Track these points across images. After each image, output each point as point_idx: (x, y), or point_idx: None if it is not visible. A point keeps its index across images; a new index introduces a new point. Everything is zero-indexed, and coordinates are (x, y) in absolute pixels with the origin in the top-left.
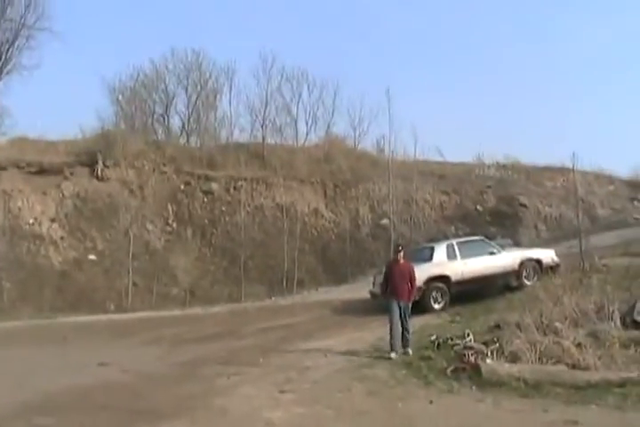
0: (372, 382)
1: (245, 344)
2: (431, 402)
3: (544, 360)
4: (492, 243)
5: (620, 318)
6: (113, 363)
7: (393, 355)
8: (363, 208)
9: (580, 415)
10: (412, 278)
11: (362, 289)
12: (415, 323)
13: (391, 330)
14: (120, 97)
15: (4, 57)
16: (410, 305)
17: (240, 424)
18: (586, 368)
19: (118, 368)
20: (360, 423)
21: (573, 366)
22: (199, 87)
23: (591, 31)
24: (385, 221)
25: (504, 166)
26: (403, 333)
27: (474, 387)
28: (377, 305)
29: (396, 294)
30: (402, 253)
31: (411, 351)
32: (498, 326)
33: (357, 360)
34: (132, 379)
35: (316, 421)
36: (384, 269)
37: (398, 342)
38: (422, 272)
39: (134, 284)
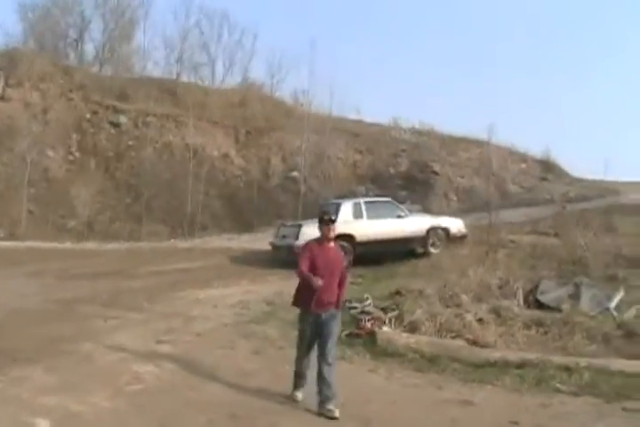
0: (259, 340)
1: (134, 286)
2: None
3: (443, 333)
4: (401, 206)
5: (523, 297)
6: None
7: (298, 395)
8: (274, 158)
9: (475, 395)
10: (343, 274)
11: (265, 240)
12: None
13: (296, 360)
14: (30, 14)
15: None
16: (339, 319)
17: (100, 376)
18: (485, 346)
19: None
20: (238, 385)
21: (473, 342)
22: (116, 15)
23: None
24: (295, 173)
25: (420, 132)
26: (320, 374)
27: (367, 355)
28: (277, 257)
29: (317, 301)
30: (334, 229)
31: (336, 411)
32: (399, 293)
33: (247, 315)
34: (2, 314)
35: (188, 379)
36: (303, 252)
37: (305, 380)
38: None
39: (29, 212)
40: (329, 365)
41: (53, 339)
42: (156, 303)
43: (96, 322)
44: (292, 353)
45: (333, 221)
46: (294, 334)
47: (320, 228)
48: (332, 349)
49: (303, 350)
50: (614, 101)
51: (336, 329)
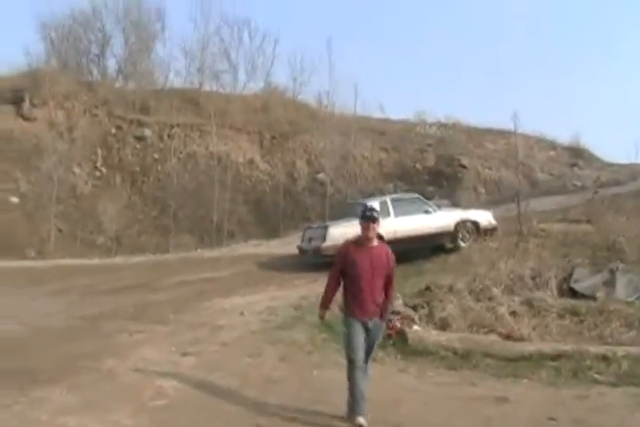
0: (287, 346)
1: (160, 298)
2: None
3: (475, 329)
4: (428, 201)
5: (557, 286)
6: (12, 314)
7: (361, 421)
8: (299, 161)
9: (510, 391)
10: (389, 278)
11: (293, 244)
12: None
13: (350, 380)
14: (54, 34)
15: None
16: (384, 329)
17: (122, 393)
18: (519, 339)
19: (16, 320)
20: (264, 394)
21: (507, 337)
22: (137, 28)
23: None
24: (321, 175)
25: (445, 126)
26: None
27: (398, 355)
28: (305, 262)
29: (362, 308)
30: (375, 227)
31: (365, 424)
32: (429, 289)
33: (275, 321)
34: (25, 333)
35: (215, 391)
36: (336, 257)
37: (364, 402)
38: (352, 229)
39: (58, 230)
40: (369, 369)
41: (76, 357)
42: (183, 314)
43: (120, 337)
44: (320, 357)
45: (375, 219)
46: (321, 337)
47: (362, 227)
48: (370, 360)
49: (357, 359)
50: None
51: (377, 341)
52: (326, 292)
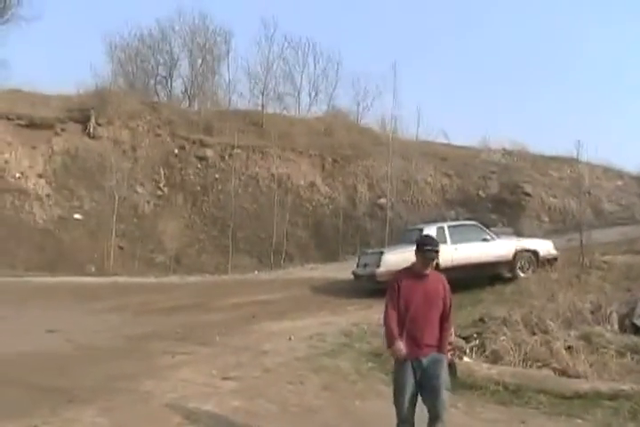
0: (331, 374)
1: (210, 320)
2: None
3: (529, 363)
4: (487, 229)
5: (618, 321)
6: (62, 330)
7: None
8: (361, 185)
9: None
10: (445, 310)
11: (349, 269)
12: None
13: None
14: (121, 55)
15: (2, 5)
16: (446, 366)
17: (154, 416)
18: (575, 376)
19: (64, 337)
20: (302, 424)
21: (561, 373)
22: (203, 51)
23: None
24: (382, 200)
25: (510, 153)
26: None
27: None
28: (359, 287)
29: (415, 343)
30: (435, 257)
31: None
32: (482, 320)
33: (322, 347)
34: (71, 350)
35: (250, 418)
36: (390, 288)
37: None
38: (408, 255)
39: (119, 247)
40: (443, 422)
41: (114, 377)
42: (229, 337)
43: (163, 358)
44: (364, 387)
45: (435, 257)
46: (367, 366)
47: (417, 257)
48: (445, 402)
49: (404, 409)
50: None
51: (444, 376)
52: (389, 326)
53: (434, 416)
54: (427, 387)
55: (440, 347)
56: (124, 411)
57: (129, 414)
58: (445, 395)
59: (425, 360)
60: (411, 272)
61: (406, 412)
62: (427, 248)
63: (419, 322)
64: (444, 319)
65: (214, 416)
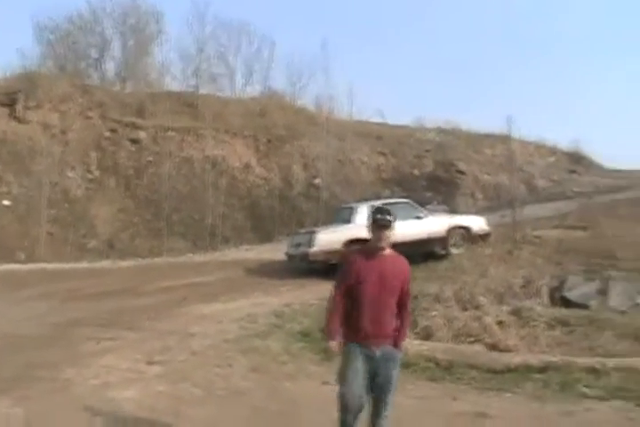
0: (260, 355)
1: (139, 304)
2: (325, 383)
3: (461, 339)
4: (420, 207)
5: (549, 295)
6: None
7: None
8: (296, 166)
9: (492, 406)
10: (404, 295)
11: (284, 249)
12: (324, 287)
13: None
14: (51, 37)
15: None
16: (398, 362)
17: (73, 405)
18: (506, 350)
19: None
20: (228, 407)
21: (493, 347)
22: (135, 32)
23: None
24: (318, 180)
25: (444, 131)
26: None
27: None
28: (292, 267)
29: (368, 332)
30: (389, 235)
31: None
32: (415, 297)
33: (253, 329)
34: None
35: (174, 403)
36: (341, 270)
37: None
38: (340, 234)
39: (50, 233)
40: (386, 418)
41: (35, 365)
42: (158, 321)
43: (87, 345)
44: (294, 368)
45: (389, 225)
46: (298, 346)
47: (372, 230)
48: (390, 402)
49: (349, 399)
50: None
51: (395, 376)
52: (331, 314)
53: (377, 414)
54: (375, 383)
55: (397, 340)
56: (42, 400)
57: (47, 403)
58: (392, 395)
59: (378, 352)
60: (364, 251)
61: (353, 391)
62: (377, 216)
63: (372, 307)
64: (401, 306)
65: (136, 402)
